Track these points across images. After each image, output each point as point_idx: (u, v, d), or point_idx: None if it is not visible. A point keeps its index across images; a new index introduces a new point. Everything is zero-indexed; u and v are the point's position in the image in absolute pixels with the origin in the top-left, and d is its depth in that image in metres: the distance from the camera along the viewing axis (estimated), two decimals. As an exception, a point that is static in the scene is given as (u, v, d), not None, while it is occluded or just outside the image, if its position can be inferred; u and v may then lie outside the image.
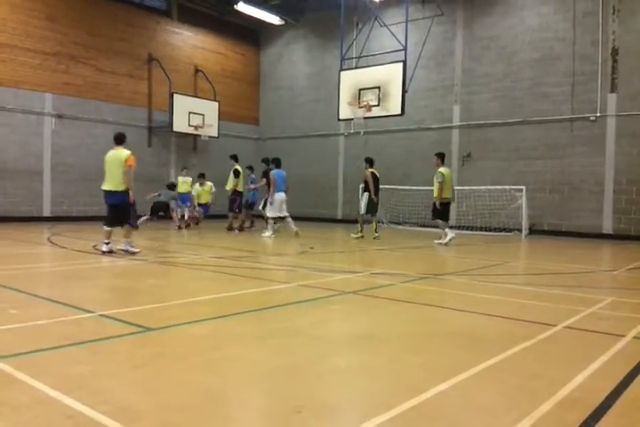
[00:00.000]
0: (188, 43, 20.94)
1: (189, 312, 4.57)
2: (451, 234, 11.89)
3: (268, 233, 12.95)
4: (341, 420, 2.47)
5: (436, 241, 12.19)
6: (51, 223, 15.73)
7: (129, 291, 5.73)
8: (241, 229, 14.57)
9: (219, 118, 20.55)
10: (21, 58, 16.20)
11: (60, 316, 4.30)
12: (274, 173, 13.13)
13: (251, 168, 15.56)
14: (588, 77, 15.22)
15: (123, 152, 8.54)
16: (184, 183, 16.39)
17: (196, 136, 20.26)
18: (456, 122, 17.74)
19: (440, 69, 18.10)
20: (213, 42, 21.80)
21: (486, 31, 17.10)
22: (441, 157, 12.36)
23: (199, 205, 16.04)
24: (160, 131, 19.48)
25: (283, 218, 13.25)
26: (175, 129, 19.18)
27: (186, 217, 16.10)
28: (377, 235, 12.82)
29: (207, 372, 3.05)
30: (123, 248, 8.62)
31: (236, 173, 14.33)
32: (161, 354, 3.39)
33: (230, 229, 14.50)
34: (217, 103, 20.66)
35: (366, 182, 13.06)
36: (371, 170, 13.05)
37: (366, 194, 12.97)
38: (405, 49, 14.07)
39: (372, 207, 12.92)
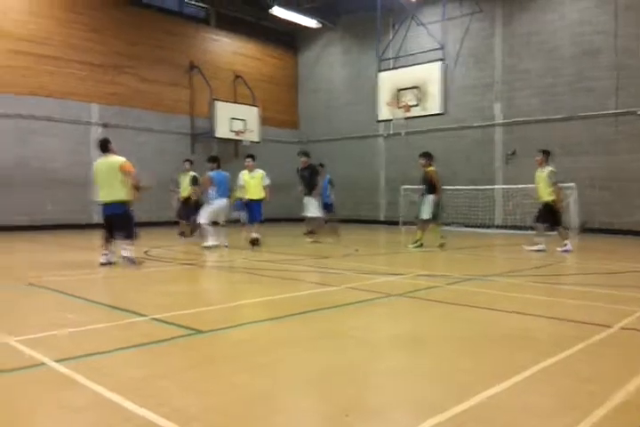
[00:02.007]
0: (227, 49, 21.24)
1: (238, 315, 4.63)
2: (569, 245, 10.15)
3: (210, 243, 10.78)
4: (390, 423, 2.45)
5: (528, 247, 10.56)
6: (99, 230, 16.14)
7: (179, 295, 5.84)
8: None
9: (259, 123, 20.78)
10: (67, 70, 16.74)
11: (114, 320, 4.42)
12: (211, 174, 11.10)
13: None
14: (632, 71, 14.75)
15: (115, 159, 7.94)
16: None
17: (237, 142, 20.50)
18: (498, 120, 17.46)
19: (479, 67, 17.85)
20: (251, 47, 22.06)
21: (526, 27, 16.78)
22: (547, 154, 10.60)
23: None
24: (202, 137, 19.80)
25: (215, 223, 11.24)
26: (217, 135, 19.47)
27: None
28: (443, 242, 10.84)
29: (256, 374, 3.08)
30: (125, 255, 7.94)
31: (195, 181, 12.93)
32: (211, 356, 3.45)
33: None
34: (257, 108, 20.88)
35: (429, 182, 10.98)
36: (433, 168, 11.08)
37: (430, 196, 10.87)
38: (443, 47, 13.95)
39: (437, 211, 10.93)
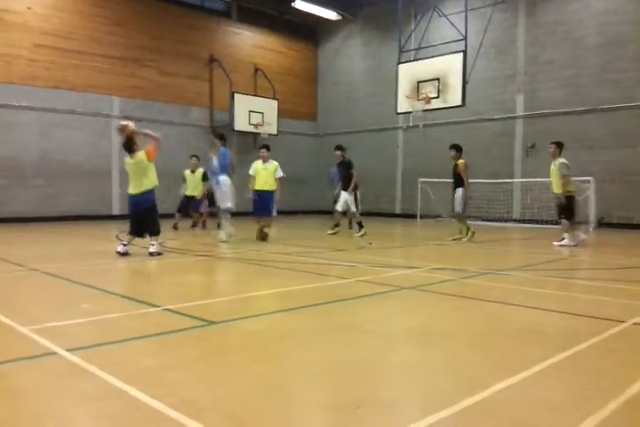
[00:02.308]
0: (248, 42, 21.25)
1: (251, 306, 4.66)
2: (568, 240, 10.02)
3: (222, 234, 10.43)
4: (401, 416, 2.45)
5: (557, 243, 10.26)
6: (119, 221, 16.35)
7: (192, 286, 5.90)
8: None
9: (278, 116, 20.79)
10: (90, 63, 16.92)
11: (127, 310, 4.48)
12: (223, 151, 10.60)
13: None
14: (660, 61, 14.45)
15: (140, 154, 8.11)
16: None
17: (256, 134, 20.54)
18: (519, 112, 17.25)
19: (502, 58, 17.63)
20: (272, 40, 22.04)
21: (550, 17, 16.51)
22: (560, 146, 10.52)
23: None
24: (222, 130, 19.82)
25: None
26: (236, 128, 19.54)
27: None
28: (459, 237, 11.10)
29: (268, 365, 3.10)
30: (153, 251, 8.06)
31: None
32: (223, 347, 3.48)
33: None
34: (276, 101, 20.89)
35: (458, 175, 10.92)
36: (463, 160, 10.97)
37: (460, 190, 10.85)
38: (465, 38, 13.79)
39: (466, 205, 11.04)
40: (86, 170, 16.83)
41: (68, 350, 3.26)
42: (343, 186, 12.11)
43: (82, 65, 16.76)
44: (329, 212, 21.23)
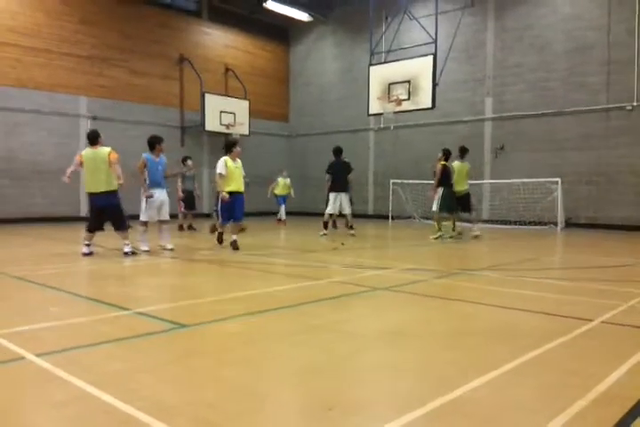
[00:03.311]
0: (219, 42, 21.11)
1: (222, 309, 4.62)
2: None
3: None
4: (373, 416, 2.46)
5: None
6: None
7: (163, 288, 5.83)
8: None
9: (249, 116, 20.70)
10: (57, 62, 16.59)
11: (97, 314, 4.40)
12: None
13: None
14: (624, 66, 14.82)
15: (102, 150, 8.11)
16: (285, 185, 16.43)
17: (227, 135, 20.40)
18: (488, 114, 17.49)
19: (471, 61, 17.86)
20: (243, 40, 21.94)
21: (518, 22, 16.79)
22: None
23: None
24: (192, 130, 19.71)
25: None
26: (207, 128, 19.39)
27: (284, 217, 16.39)
28: (454, 233, 11.97)
29: (240, 368, 3.08)
30: (126, 251, 8.15)
31: None
32: (195, 351, 3.44)
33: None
34: (247, 102, 20.79)
35: (437, 175, 11.78)
36: (443, 162, 11.64)
37: (439, 189, 11.60)
38: (435, 42, 13.92)
39: (444, 204, 11.58)
40: (53, 171, 16.44)
41: (37, 355, 3.20)
42: (345, 187, 12.30)
43: (48, 64, 16.42)
44: (303, 213, 21.31)
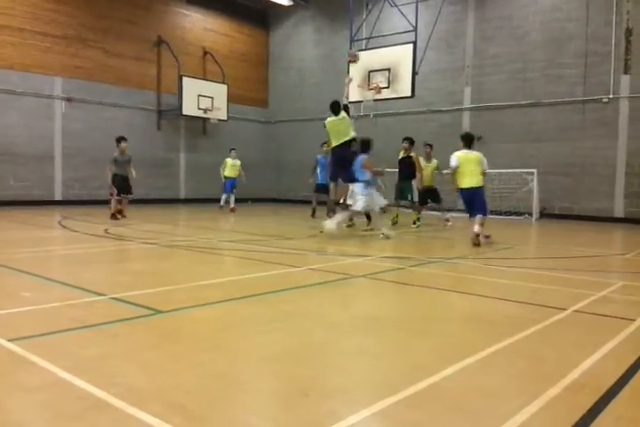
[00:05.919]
0: (197, 25, 20.78)
1: (199, 295, 4.59)
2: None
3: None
4: (348, 402, 2.48)
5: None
6: (62, 207, 15.83)
7: (139, 274, 5.77)
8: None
9: (228, 101, 20.48)
10: (30, 41, 16.18)
11: (71, 299, 4.34)
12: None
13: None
14: (601, 59, 14.96)
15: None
16: (233, 167, 15.49)
17: (205, 119, 20.19)
18: (467, 104, 17.56)
19: (451, 51, 17.86)
20: (222, 24, 21.62)
21: (498, 11, 16.82)
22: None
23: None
24: (169, 114, 19.42)
25: None
26: (184, 112, 19.12)
27: (232, 205, 15.37)
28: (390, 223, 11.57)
29: (216, 354, 3.07)
30: None
31: None
32: (170, 336, 3.42)
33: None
34: (226, 86, 20.56)
35: (411, 166, 12.23)
36: (411, 153, 12.31)
37: (413, 181, 12.10)
38: (416, 30, 13.86)
39: (396, 192, 12.44)
40: (27, 153, 16.16)
41: (9, 340, 3.15)
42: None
43: (21, 43, 16.00)
44: (280, 200, 21.25)
